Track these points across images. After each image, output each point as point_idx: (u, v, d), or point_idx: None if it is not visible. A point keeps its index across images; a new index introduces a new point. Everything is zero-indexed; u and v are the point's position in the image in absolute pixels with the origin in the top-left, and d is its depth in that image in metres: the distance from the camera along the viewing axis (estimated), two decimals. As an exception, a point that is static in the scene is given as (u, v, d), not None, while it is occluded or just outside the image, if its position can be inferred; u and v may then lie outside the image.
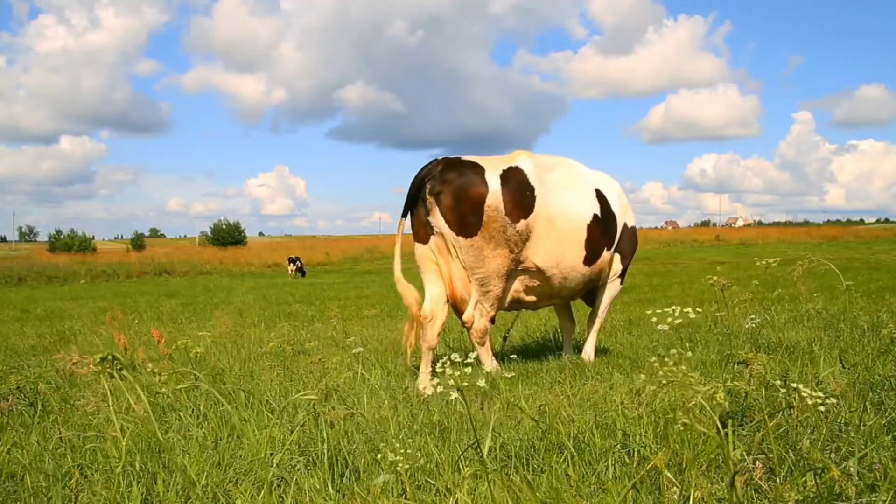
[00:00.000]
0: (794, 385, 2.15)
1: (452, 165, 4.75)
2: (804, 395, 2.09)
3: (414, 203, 4.86)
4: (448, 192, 4.66)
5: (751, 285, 7.21)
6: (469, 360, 1.96)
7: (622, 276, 5.67)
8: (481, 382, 2.05)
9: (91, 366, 3.14)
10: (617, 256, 5.55)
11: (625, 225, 5.57)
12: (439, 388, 2.00)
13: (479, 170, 4.75)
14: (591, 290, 5.70)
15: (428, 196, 4.71)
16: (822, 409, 2.08)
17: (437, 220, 4.72)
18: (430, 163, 4.85)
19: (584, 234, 5.09)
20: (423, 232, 4.84)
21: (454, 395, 1.99)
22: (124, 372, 2.44)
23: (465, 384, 1.95)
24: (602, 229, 5.21)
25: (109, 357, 2.39)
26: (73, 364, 3.19)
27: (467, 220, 4.66)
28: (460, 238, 4.70)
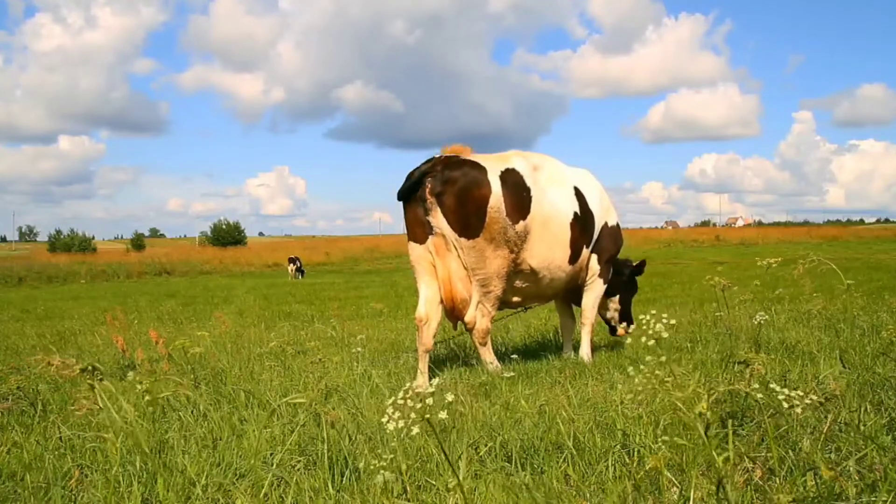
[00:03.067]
0: (774, 387, 2.13)
1: (454, 165, 4.66)
2: (782, 398, 2.05)
3: (408, 200, 4.74)
4: (451, 193, 4.58)
5: (751, 285, 7.20)
6: (431, 390, 1.91)
7: (604, 275, 5.62)
8: (442, 415, 1.99)
9: (76, 368, 3.13)
10: (595, 256, 5.52)
11: (605, 224, 5.54)
12: (400, 423, 1.92)
13: (481, 169, 4.68)
14: (576, 291, 5.69)
15: (428, 196, 4.61)
16: (798, 410, 2.04)
17: (439, 220, 4.64)
18: (428, 160, 4.75)
19: (569, 234, 5.11)
20: (420, 231, 4.74)
21: (415, 430, 1.92)
22: (105, 381, 2.44)
23: (428, 416, 1.90)
24: (581, 227, 5.22)
25: (89, 368, 2.38)
26: (51, 365, 3.17)
27: (470, 221, 4.61)
28: (462, 239, 4.65)
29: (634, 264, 6.04)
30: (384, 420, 1.94)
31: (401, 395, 1.90)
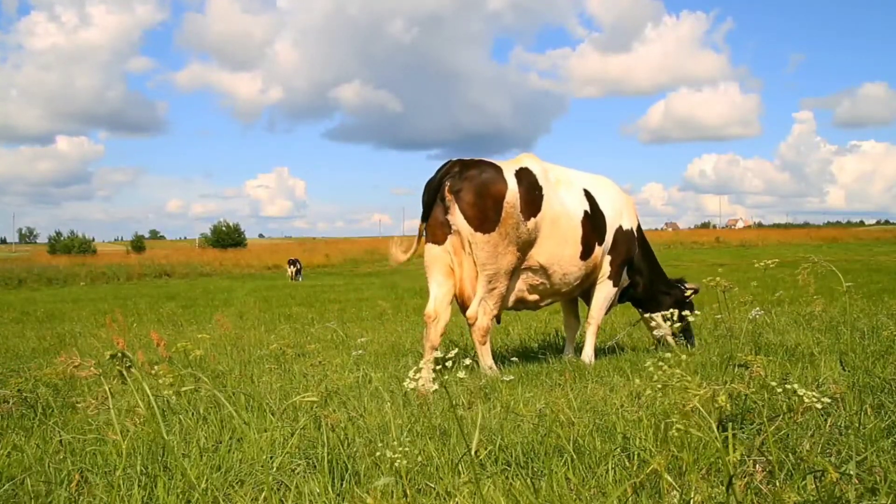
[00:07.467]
0: (789, 386, 2.15)
1: (471, 164, 4.93)
2: (801, 394, 2.09)
3: (433, 205, 4.97)
4: (469, 189, 4.79)
5: (750, 287, 7.22)
6: (449, 357, 1.96)
7: (615, 276, 5.69)
8: (461, 374, 2.06)
9: (92, 368, 3.14)
10: (608, 257, 5.63)
11: (619, 227, 5.68)
12: (420, 384, 2.01)
13: (497, 168, 4.93)
14: (588, 291, 5.76)
15: (447, 194, 4.83)
16: (818, 406, 2.09)
17: (456, 217, 4.82)
18: (445, 164, 5.00)
19: (580, 231, 5.28)
20: (440, 232, 4.94)
21: (434, 387, 2.00)
22: (133, 370, 2.43)
23: (447, 378, 1.95)
24: (592, 225, 5.39)
25: (119, 354, 2.38)
26: (75, 367, 3.18)
27: (488, 215, 4.79)
28: (477, 234, 4.81)
29: (685, 288, 6.08)
30: (405, 383, 1.97)
31: (422, 362, 1.95)
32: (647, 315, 5.98)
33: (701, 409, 1.97)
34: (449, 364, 1.95)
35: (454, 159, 4.99)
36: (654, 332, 5.91)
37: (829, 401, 2.14)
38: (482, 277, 4.89)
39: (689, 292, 6.13)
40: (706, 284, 4.82)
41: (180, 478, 2.67)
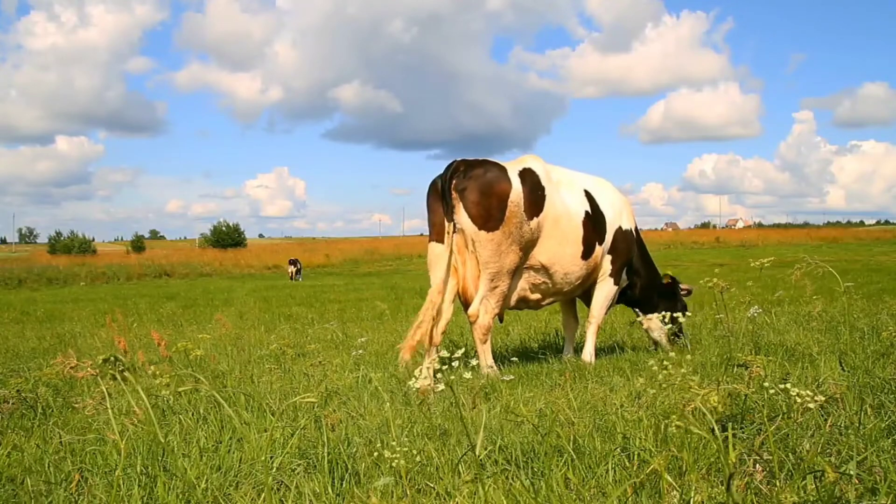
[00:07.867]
0: (782, 386, 2.15)
1: (476, 164, 5.00)
2: (793, 394, 2.10)
3: (445, 203, 4.99)
4: (474, 188, 4.86)
5: (748, 287, 7.22)
6: (456, 356, 1.98)
7: (615, 276, 5.76)
8: (467, 374, 2.08)
9: (89, 369, 3.14)
10: (608, 257, 5.68)
11: (619, 227, 5.74)
12: (425, 382, 2.03)
13: (502, 168, 5.00)
14: (588, 291, 5.80)
15: (452, 192, 4.89)
16: (811, 406, 2.09)
17: (460, 215, 4.88)
18: (450, 164, 5.06)
19: (581, 231, 5.34)
20: (443, 231, 4.99)
21: (441, 387, 2.02)
22: (126, 373, 2.44)
23: (453, 377, 1.97)
24: (593, 225, 5.46)
25: (112, 358, 2.39)
26: (72, 368, 3.18)
27: (492, 213, 4.85)
28: (481, 232, 4.86)
29: (682, 287, 6.17)
30: (411, 382, 2.00)
31: (427, 362, 1.98)
32: (642, 318, 6.05)
33: (702, 407, 1.97)
34: (455, 364, 1.96)
35: (458, 159, 5.04)
36: (653, 334, 5.99)
37: (822, 398, 2.15)
38: (485, 276, 4.93)
39: (682, 293, 6.21)
40: (703, 285, 4.83)
41: (180, 478, 2.67)
